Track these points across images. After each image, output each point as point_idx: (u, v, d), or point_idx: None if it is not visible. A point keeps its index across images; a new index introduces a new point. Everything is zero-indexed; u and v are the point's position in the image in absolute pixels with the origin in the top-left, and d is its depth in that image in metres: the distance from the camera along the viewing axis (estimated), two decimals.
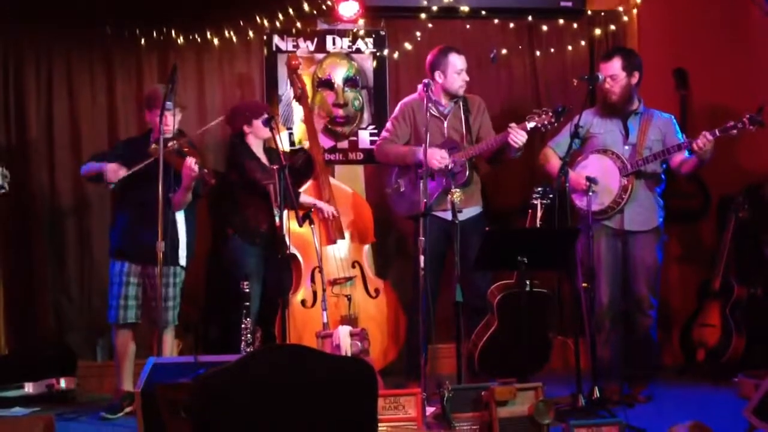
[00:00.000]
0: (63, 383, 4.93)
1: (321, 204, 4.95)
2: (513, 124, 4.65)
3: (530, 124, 4.64)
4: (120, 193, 4.76)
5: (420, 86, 4.85)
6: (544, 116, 4.63)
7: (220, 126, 5.34)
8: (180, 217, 4.66)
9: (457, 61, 4.86)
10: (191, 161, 4.45)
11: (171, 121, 4.58)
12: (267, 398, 2.33)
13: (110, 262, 4.72)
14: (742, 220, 5.26)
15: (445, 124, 4.91)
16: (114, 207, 4.84)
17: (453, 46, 4.98)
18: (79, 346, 5.25)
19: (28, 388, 4.85)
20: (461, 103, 4.94)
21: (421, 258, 4.28)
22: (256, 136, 4.93)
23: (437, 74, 4.87)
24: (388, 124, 5.06)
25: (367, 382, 2.39)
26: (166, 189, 4.21)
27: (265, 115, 4.66)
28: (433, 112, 4.86)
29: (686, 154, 4.53)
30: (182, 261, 4.70)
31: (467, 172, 4.82)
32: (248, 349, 4.50)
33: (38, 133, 5.32)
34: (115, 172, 4.57)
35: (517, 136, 4.62)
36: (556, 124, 4.68)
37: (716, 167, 4.75)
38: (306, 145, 5.25)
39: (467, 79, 4.89)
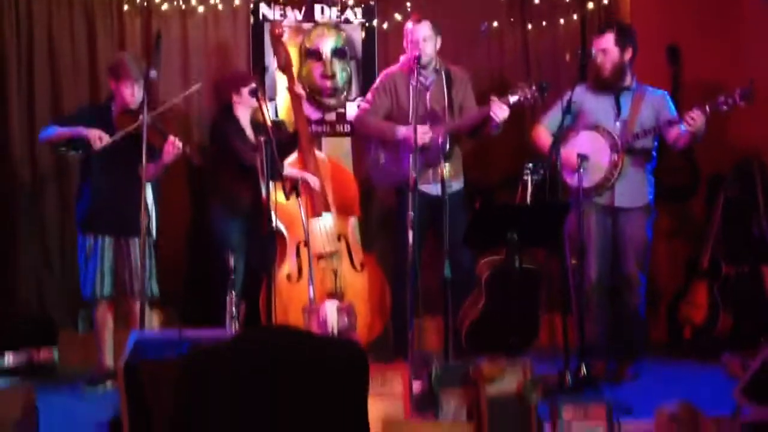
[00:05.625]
0: (43, 354, 4.87)
1: (306, 175, 4.87)
2: (494, 97, 4.57)
3: (513, 98, 4.56)
4: (85, 164, 4.62)
5: (402, 57, 4.81)
6: (527, 90, 4.56)
7: (203, 96, 5.27)
8: (149, 187, 4.57)
9: (410, 30, 4.79)
10: (174, 139, 4.36)
11: (138, 93, 4.48)
12: (254, 381, 2.28)
13: (79, 235, 4.62)
14: (731, 198, 5.25)
15: (428, 96, 4.84)
16: (80, 177, 4.69)
17: (418, 15, 4.88)
18: (60, 316, 5.17)
19: (8, 358, 4.78)
20: (443, 75, 4.86)
21: (410, 233, 4.23)
22: (244, 106, 4.84)
23: (404, 46, 4.84)
24: (368, 95, 5.00)
25: (359, 365, 2.35)
26: (139, 161, 4.13)
27: (252, 85, 4.58)
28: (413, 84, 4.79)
29: (682, 128, 4.49)
30: (153, 232, 4.63)
31: (447, 145, 4.75)
32: (233, 323, 4.44)
33: (18, 99, 5.17)
34: (101, 139, 4.42)
35: (499, 110, 4.54)
36: (540, 100, 4.61)
37: (706, 144, 4.72)
38: (291, 117, 5.15)
39: (422, 47, 4.72)
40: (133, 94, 4.51)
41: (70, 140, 4.54)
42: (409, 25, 4.83)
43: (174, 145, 4.39)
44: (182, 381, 2.32)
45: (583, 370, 4.32)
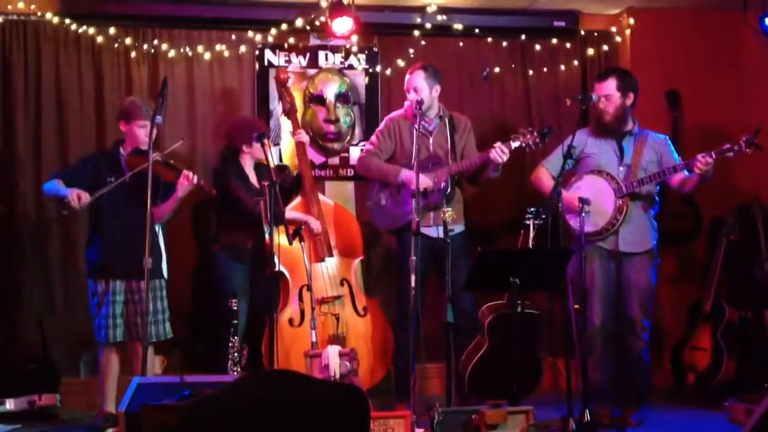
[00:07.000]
0: (45, 400, 4.84)
1: (309, 219, 4.89)
2: (498, 143, 4.64)
3: (515, 144, 4.62)
4: (96, 209, 4.61)
5: (406, 103, 4.86)
6: (528, 136, 4.62)
7: (207, 140, 5.33)
8: (159, 229, 4.60)
9: (406, 80, 4.89)
10: (188, 172, 4.44)
11: (150, 133, 4.54)
12: (255, 426, 2.27)
13: (89, 282, 4.61)
14: (733, 242, 5.25)
15: (431, 141, 4.89)
16: (91, 225, 4.68)
17: (414, 65, 4.96)
18: (62, 361, 5.15)
19: (9, 404, 4.75)
20: (447, 121, 4.93)
21: (412, 277, 4.24)
22: (252, 156, 4.88)
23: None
24: (373, 138, 5.04)
25: (359, 410, 2.34)
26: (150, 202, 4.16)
27: (256, 132, 4.62)
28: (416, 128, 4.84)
29: (685, 172, 4.51)
30: (165, 273, 4.66)
31: (449, 188, 4.79)
32: (235, 368, 4.43)
33: (25, 145, 5.23)
34: (78, 200, 4.40)
35: (500, 154, 4.59)
36: (541, 146, 4.66)
37: (707, 188, 4.74)
38: (295, 162, 5.19)
39: (410, 96, 4.83)
40: (146, 134, 4.56)
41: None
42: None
43: (188, 178, 4.44)
44: (184, 426, 2.32)
45: (587, 415, 4.29)
